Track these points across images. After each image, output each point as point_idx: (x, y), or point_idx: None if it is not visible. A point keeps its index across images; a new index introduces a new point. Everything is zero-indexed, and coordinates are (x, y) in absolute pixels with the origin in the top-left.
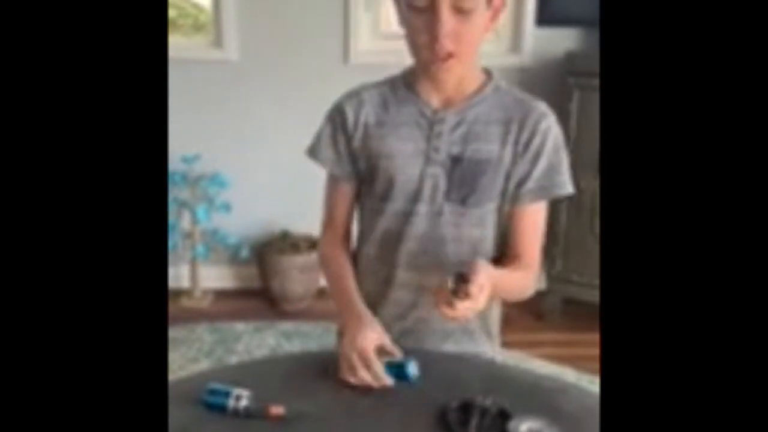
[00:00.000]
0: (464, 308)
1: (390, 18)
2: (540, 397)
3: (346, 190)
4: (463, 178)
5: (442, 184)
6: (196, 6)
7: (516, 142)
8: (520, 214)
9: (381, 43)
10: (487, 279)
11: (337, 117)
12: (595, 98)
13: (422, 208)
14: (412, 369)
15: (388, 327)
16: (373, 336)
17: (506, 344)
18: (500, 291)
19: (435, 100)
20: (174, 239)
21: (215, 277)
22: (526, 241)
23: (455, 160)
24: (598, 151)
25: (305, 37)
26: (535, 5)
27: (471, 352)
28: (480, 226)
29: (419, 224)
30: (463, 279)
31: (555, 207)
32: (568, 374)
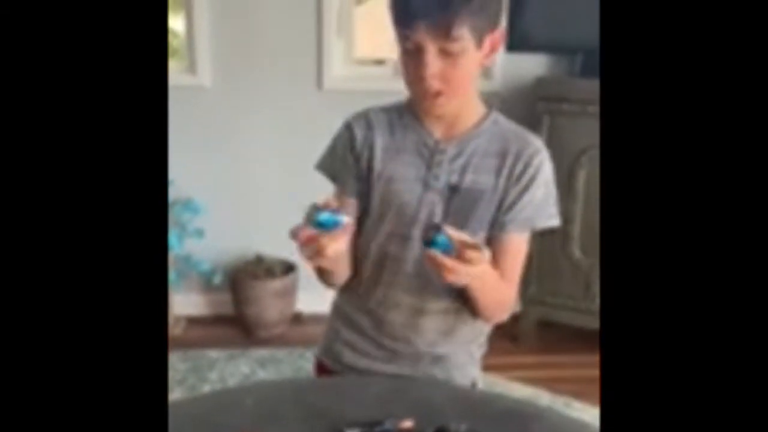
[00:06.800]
0: (465, 270)
1: (362, 44)
2: (515, 423)
3: (351, 205)
4: (459, 207)
5: (439, 211)
6: (171, 31)
7: (510, 174)
8: (503, 241)
9: (354, 68)
10: (463, 236)
11: (345, 135)
12: (563, 123)
13: (418, 233)
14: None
15: (381, 347)
16: None
17: (482, 367)
18: (485, 280)
19: (437, 131)
20: None
21: (188, 303)
22: (507, 264)
23: (453, 189)
24: (566, 176)
25: (279, 62)
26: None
27: (458, 376)
28: None
29: (414, 248)
30: (435, 227)
31: None
32: (543, 396)
